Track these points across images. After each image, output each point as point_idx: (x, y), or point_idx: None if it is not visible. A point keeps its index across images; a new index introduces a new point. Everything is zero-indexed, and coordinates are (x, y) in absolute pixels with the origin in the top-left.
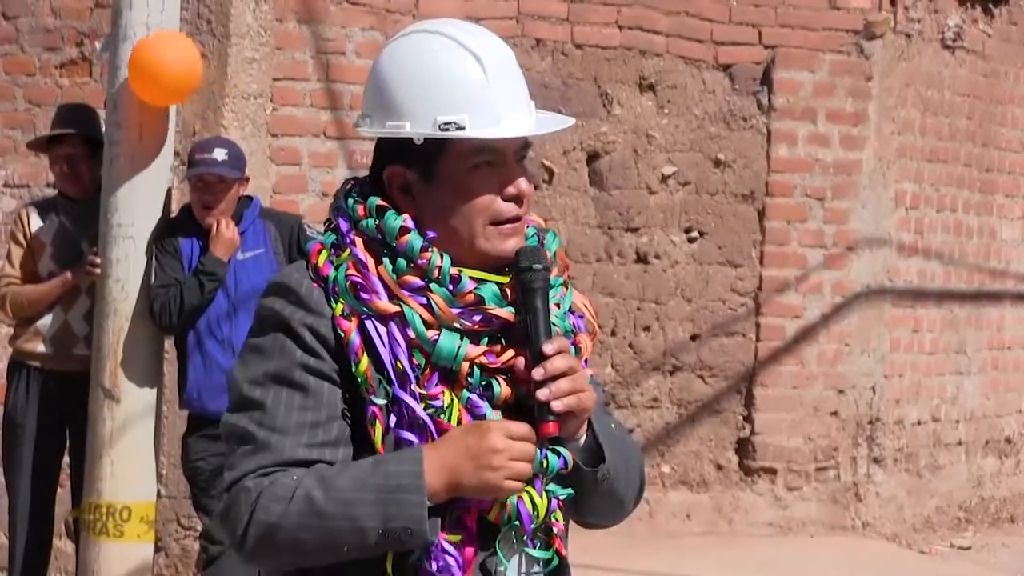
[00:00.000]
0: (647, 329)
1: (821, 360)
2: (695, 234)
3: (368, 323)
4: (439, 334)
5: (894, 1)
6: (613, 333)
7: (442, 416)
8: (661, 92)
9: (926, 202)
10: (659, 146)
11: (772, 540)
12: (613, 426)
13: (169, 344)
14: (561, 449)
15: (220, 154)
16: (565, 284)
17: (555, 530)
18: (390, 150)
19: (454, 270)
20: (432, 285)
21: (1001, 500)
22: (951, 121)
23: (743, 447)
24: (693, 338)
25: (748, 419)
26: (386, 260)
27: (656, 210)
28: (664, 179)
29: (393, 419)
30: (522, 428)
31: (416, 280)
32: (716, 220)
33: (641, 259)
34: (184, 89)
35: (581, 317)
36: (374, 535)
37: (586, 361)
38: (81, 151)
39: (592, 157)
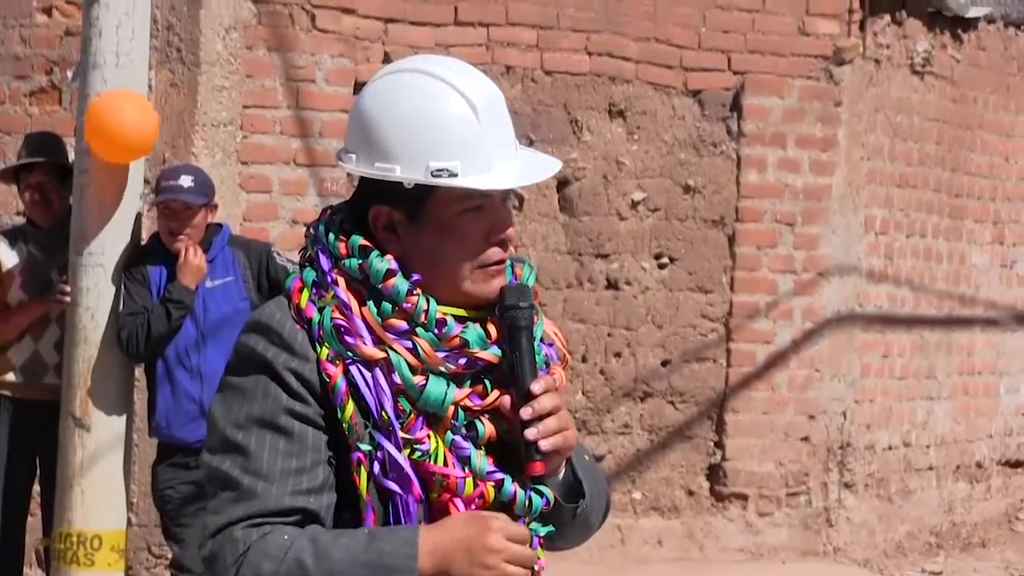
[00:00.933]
0: (618, 355)
1: (792, 385)
2: (665, 260)
3: (353, 368)
4: (426, 379)
5: (863, 27)
6: (584, 359)
7: (427, 459)
8: (631, 118)
9: (896, 227)
10: (629, 172)
11: (743, 566)
12: (587, 457)
13: (140, 372)
14: (544, 489)
15: (186, 181)
16: (536, 313)
17: (536, 567)
18: (376, 189)
19: (439, 313)
20: (418, 329)
21: (972, 525)
22: (920, 146)
23: (714, 473)
24: (664, 364)
25: (719, 445)
26: (370, 303)
27: (626, 236)
28: (634, 205)
29: (376, 466)
30: (522, 531)
31: (402, 324)
32: (686, 246)
33: (611, 285)
34: (141, 149)
35: (551, 345)
36: None
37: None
38: (52, 179)
39: (562, 183)
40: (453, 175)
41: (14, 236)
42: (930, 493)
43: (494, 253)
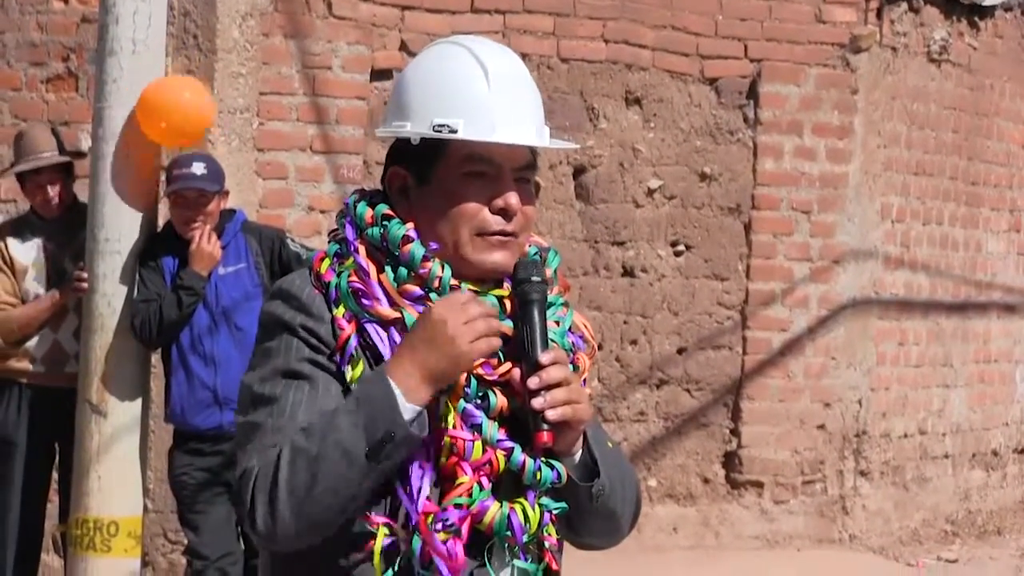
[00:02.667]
0: (634, 343)
1: (807, 373)
2: (681, 247)
3: (369, 327)
4: None
5: (880, 14)
6: (600, 347)
7: (439, 423)
8: (647, 106)
9: (912, 215)
10: (645, 160)
11: (759, 553)
12: (611, 444)
13: (157, 358)
14: (555, 462)
15: (199, 168)
16: (566, 304)
17: (547, 544)
18: (395, 152)
19: (454, 281)
20: (432, 295)
21: (988, 513)
22: (937, 134)
23: (730, 460)
24: (680, 351)
25: (735, 432)
26: (388, 268)
27: (642, 224)
28: (650, 193)
29: None
30: (465, 295)
31: (416, 289)
32: (702, 233)
33: (628, 273)
34: (196, 133)
35: (580, 336)
36: (361, 453)
37: (584, 380)
38: (58, 174)
39: (578, 171)
40: (453, 131)
41: (20, 229)
42: (946, 481)
43: (494, 220)
